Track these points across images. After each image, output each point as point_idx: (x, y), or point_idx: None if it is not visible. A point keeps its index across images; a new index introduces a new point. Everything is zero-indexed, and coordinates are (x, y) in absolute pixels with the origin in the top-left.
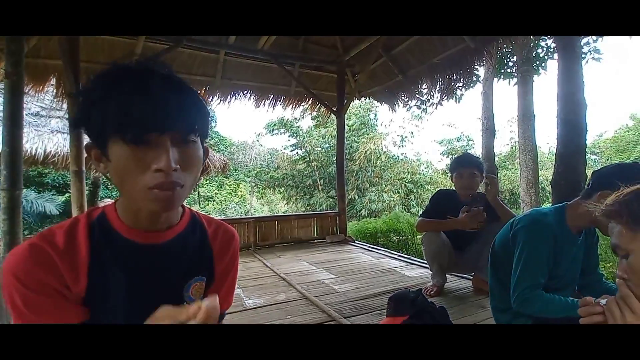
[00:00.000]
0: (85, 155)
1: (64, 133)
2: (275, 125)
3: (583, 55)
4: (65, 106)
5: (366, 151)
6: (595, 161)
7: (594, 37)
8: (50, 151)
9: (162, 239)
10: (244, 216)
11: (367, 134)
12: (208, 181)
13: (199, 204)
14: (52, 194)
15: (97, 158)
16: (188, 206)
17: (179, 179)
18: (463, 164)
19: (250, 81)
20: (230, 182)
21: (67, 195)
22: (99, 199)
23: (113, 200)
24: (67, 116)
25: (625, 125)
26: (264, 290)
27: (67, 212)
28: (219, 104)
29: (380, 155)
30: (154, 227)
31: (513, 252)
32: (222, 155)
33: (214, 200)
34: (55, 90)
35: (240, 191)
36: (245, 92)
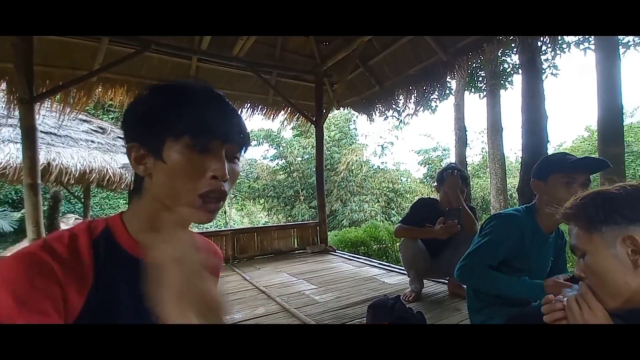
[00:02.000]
0: (40, 167)
1: (16, 143)
2: (259, 136)
3: (543, 71)
4: (17, 113)
5: (348, 162)
6: None
7: (553, 54)
8: (1, 163)
9: None
10: (222, 228)
11: (349, 145)
12: None
13: None
14: (4, 210)
15: (139, 159)
16: None
17: (226, 190)
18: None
19: (226, 89)
20: None
21: (23, 210)
22: (61, 214)
23: (118, 213)
24: (19, 124)
25: (581, 136)
26: (242, 305)
27: (23, 229)
28: None
29: (363, 166)
30: None
31: None
32: None
33: None
34: (5, 96)
35: None
36: None
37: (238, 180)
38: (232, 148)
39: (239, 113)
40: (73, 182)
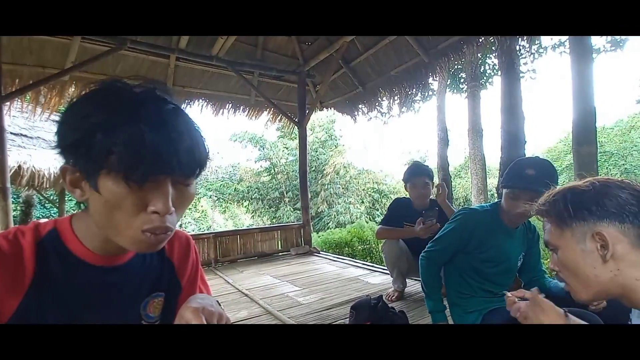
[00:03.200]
0: (10, 170)
1: None
2: (244, 138)
3: (522, 75)
4: None
5: (335, 164)
6: None
7: (532, 58)
8: None
9: (123, 260)
10: (205, 231)
11: (335, 147)
12: None
13: None
14: None
15: (74, 184)
16: None
17: (171, 223)
18: (415, 174)
19: (206, 89)
20: None
21: None
22: (34, 219)
23: (67, 217)
24: None
25: (557, 137)
26: (224, 308)
27: None
28: None
29: (349, 168)
30: (121, 252)
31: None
32: None
33: None
34: None
35: (202, 206)
36: (200, 100)
37: (221, 183)
38: (181, 177)
39: (198, 130)
40: (47, 185)
